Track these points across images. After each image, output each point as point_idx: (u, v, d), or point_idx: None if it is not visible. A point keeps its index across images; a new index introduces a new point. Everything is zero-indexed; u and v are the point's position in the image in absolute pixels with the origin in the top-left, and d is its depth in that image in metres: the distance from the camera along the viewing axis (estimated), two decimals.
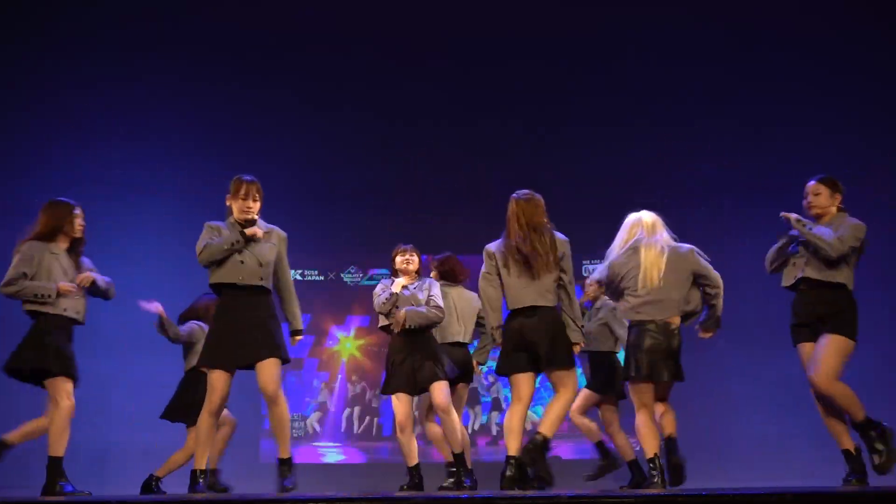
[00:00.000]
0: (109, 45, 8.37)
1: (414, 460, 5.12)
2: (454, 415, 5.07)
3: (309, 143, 8.70)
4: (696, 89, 8.61)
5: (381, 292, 5.15)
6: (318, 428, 8.97)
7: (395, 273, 5.24)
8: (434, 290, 5.16)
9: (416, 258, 5.23)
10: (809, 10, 8.19)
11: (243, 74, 8.64)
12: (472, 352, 5.62)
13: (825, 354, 4.27)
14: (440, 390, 4.99)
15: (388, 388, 5.07)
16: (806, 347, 4.43)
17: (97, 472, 7.78)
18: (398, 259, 5.23)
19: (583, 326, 4.66)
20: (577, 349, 4.47)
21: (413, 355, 5.01)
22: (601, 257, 4.74)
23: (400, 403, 5.04)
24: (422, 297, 5.08)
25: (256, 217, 4.35)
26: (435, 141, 8.86)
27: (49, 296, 4.52)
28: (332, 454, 8.92)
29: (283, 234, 4.47)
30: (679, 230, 4.69)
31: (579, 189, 8.44)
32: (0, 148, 8.24)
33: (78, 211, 4.74)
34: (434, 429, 5.46)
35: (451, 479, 5.19)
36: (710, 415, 7.92)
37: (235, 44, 8.60)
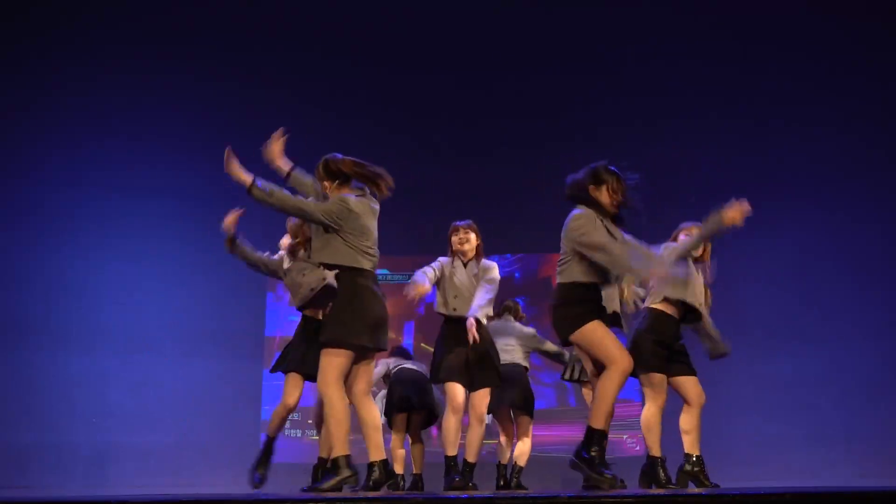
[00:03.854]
0: (109, 45, 8.36)
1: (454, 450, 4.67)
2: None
3: (309, 142, 8.68)
4: (696, 89, 8.61)
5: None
6: None
7: (452, 255, 4.72)
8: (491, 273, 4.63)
9: (471, 236, 4.71)
10: (809, 10, 8.18)
11: (243, 74, 8.63)
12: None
13: None
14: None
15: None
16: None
17: (97, 472, 7.79)
18: (453, 239, 4.72)
19: None
20: None
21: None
22: None
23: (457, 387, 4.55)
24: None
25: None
26: (435, 141, 8.86)
27: None
28: None
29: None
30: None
31: None
32: (0, 148, 8.24)
33: None
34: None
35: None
36: (711, 415, 7.90)
37: (235, 44, 8.59)
